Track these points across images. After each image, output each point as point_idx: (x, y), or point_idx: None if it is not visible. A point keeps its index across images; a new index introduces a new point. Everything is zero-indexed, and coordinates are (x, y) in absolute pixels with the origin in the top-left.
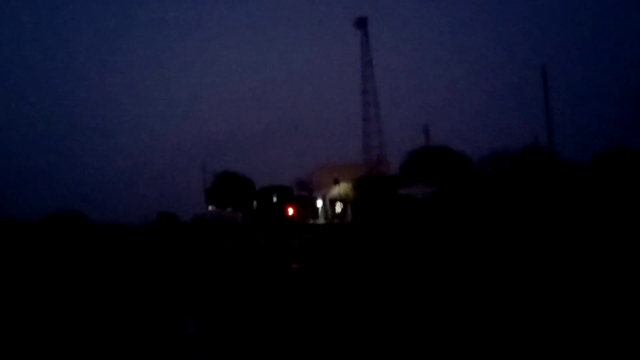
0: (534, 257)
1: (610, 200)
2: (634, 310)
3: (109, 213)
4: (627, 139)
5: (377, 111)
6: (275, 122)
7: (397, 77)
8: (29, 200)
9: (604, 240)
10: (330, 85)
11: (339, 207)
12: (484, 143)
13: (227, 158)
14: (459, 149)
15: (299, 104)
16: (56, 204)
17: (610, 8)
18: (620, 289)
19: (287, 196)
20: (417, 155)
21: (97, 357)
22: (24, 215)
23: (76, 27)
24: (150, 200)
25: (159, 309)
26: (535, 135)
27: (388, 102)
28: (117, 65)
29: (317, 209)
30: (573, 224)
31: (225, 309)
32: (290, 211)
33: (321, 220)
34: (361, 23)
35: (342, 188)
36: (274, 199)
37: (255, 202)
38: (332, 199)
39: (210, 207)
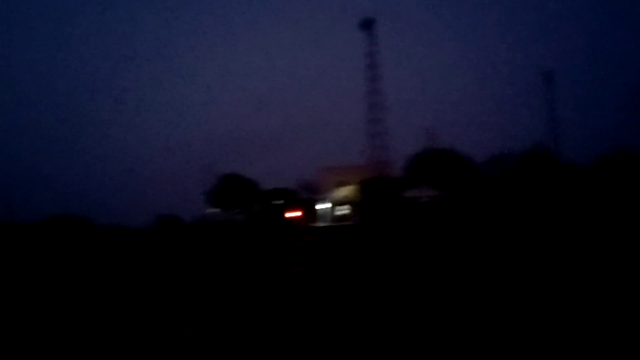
0: (537, 258)
1: (611, 202)
2: (633, 309)
3: (112, 215)
4: (629, 141)
5: (382, 113)
6: (281, 124)
7: (403, 79)
8: (31, 203)
9: (606, 241)
10: (336, 87)
11: (344, 210)
12: (488, 145)
13: (231, 160)
14: (464, 151)
15: (305, 106)
16: (58, 206)
17: (614, 13)
18: (620, 289)
19: (290, 199)
20: (422, 157)
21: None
22: (25, 218)
23: (80, 28)
24: (153, 203)
25: (160, 312)
26: (540, 137)
27: (394, 104)
28: (121, 67)
29: (322, 211)
30: (575, 225)
31: (227, 313)
32: (294, 214)
33: (326, 223)
34: (367, 25)
35: (347, 190)
36: (278, 202)
37: (259, 205)
38: (337, 201)
39: (213, 209)
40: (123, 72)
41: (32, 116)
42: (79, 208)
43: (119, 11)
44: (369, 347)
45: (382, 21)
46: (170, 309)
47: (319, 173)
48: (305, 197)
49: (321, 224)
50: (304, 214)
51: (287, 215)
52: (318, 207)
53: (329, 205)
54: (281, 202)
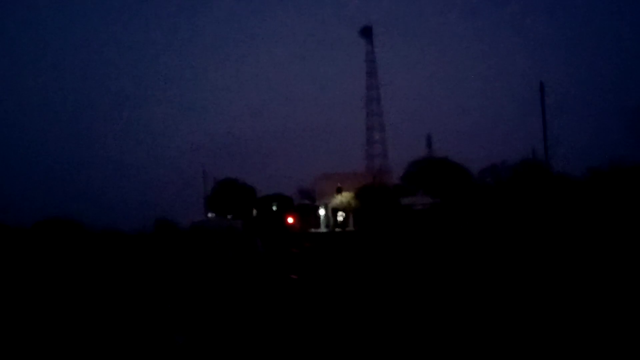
0: (531, 267)
1: (606, 215)
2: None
3: (106, 219)
4: (623, 153)
5: (380, 121)
6: (279, 130)
7: (401, 88)
8: (23, 206)
9: (600, 252)
10: (335, 94)
11: (341, 216)
12: (485, 154)
13: (229, 165)
14: (460, 159)
15: (303, 113)
16: (51, 210)
17: (607, 25)
18: (615, 300)
19: (286, 205)
20: (419, 165)
21: None
22: (17, 221)
23: (76, 33)
24: (149, 207)
25: (150, 320)
26: (533, 148)
27: (392, 112)
28: (117, 71)
29: (319, 217)
30: (569, 237)
31: (219, 321)
32: (290, 220)
33: (323, 229)
34: (366, 32)
35: (344, 197)
36: (274, 208)
37: (255, 211)
38: (334, 208)
39: (210, 215)
40: (121, 77)
41: (29, 119)
42: (76, 212)
43: (116, 17)
44: (364, 352)
45: (381, 30)
46: (160, 316)
47: (317, 180)
48: (302, 204)
49: (318, 231)
50: (299, 220)
51: (283, 222)
52: (315, 214)
53: (326, 212)
54: (276, 208)
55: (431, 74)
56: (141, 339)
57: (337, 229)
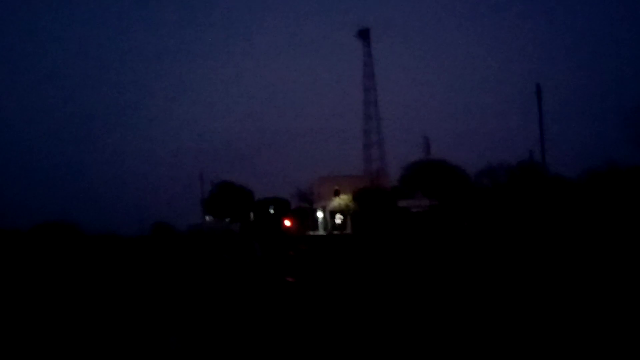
0: (528, 268)
1: (602, 216)
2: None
3: (104, 223)
4: (619, 155)
5: (378, 123)
6: (276, 133)
7: (399, 90)
8: (21, 210)
9: (596, 253)
10: (332, 97)
11: (338, 219)
12: (482, 156)
13: (226, 168)
14: (458, 162)
15: (300, 115)
16: (49, 213)
17: (604, 28)
18: (611, 301)
19: (283, 208)
20: (416, 168)
21: None
22: (14, 225)
23: (73, 36)
24: (146, 211)
25: (145, 322)
26: (530, 150)
27: (389, 114)
28: (113, 73)
29: (317, 220)
30: (565, 238)
31: (214, 323)
32: (287, 223)
33: (321, 232)
34: (363, 34)
35: (342, 200)
36: (271, 211)
37: (252, 214)
38: (332, 211)
39: (207, 218)
40: (119, 81)
41: (26, 123)
42: (73, 216)
43: (114, 20)
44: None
45: (379, 33)
46: (156, 318)
47: (315, 183)
48: (300, 207)
49: (316, 233)
50: (296, 223)
51: (280, 224)
52: (313, 216)
53: (323, 214)
54: (273, 211)
55: (428, 76)
56: (136, 340)
57: (335, 232)
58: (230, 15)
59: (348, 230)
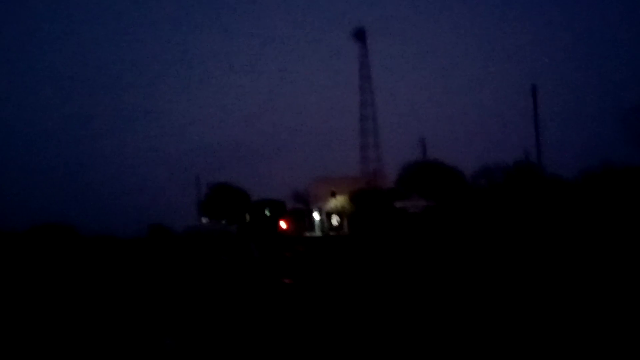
0: (525, 269)
1: (599, 216)
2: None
3: (100, 224)
4: (615, 155)
5: (374, 124)
6: (273, 134)
7: (395, 91)
8: (17, 211)
9: (593, 253)
10: (328, 98)
11: (335, 220)
12: (479, 157)
13: (223, 170)
14: (455, 162)
15: (297, 116)
16: (45, 215)
17: (600, 28)
18: (607, 301)
19: (279, 210)
20: (413, 168)
21: None
22: (11, 226)
23: (70, 37)
24: (143, 212)
25: (141, 323)
26: (526, 150)
27: (386, 115)
28: (110, 75)
29: (314, 221)
30: (563, 239)
31: (210, 324)
32: (283, 225)
33: (318, 233)
34: (360, 35)
35: (338, 201)
36: (267, 213)
37: (248, 216)
38: (328, 212)
39: (203, 219)
40: (115, 84)
41: (22, 125)
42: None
43: (110, 22)
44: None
45: (375, 34)
46: (151, 319)
47: (311, 184)
48: (296, 208)
49: (313, 235)
50: (293, 224)
51: (276, 226)
52: (309, 218)
53: (320, 216)
54: (269, 213)
55: (425, 77)
56: (131, 341)
57: (331, 233)
58: (227, 17)
59: (345, 232)
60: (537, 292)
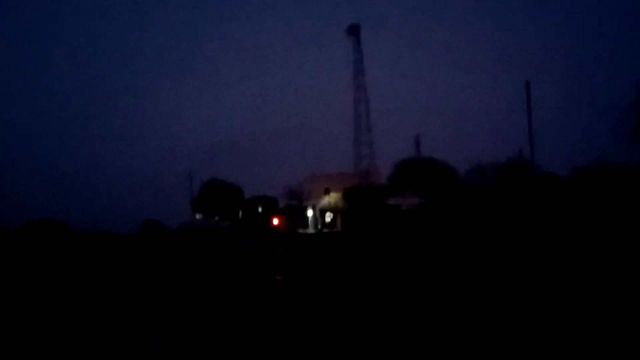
0: (518, 267)
1: (592, 214)
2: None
3: (93, 221)
4: (609, 152)
5: (368, 121)
6: (266, 131)
7: (389, 88)
8: (10, 207)
9: (587, 251)
10: (322, 95)
11: (328, 217)
12: (472, 154)
13: (216, 166)
14: (447, 160)
15: (290, 113)
16: (39, 211)
17: (594, 25)
18: (601, 300)
19: (272, 207)
20: (406, 166)
21: None
22: (3, 223)
23: (68, 32)
24: (136, 208)
25: (129, 321)
26: (520, 148)
27: (379, 112)
28: (105, 75)
29: (307, 218)
30: (556, 237)
31: (200, 322)
32: (275, 221)
33: (311, 230)
34: (353, 31)
35: (332, 198)
36: (259, 209)
37: (240, 212)
38: (322, 209)
39: (197, 216)
40: (109, 81)
41: (16, 122)
42: (58, 213)
43: (108, 17)
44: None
45: (369, 30)
46: (140, 317)
47: (305, 181)
48: (290, 205)
49: (306, 231)
50: (286, 221)
51: (268, 223)
52: (303, 214)
53: (313, 213)
54: (262, 210)
55: (419, 75)
56: (118, 339)
57: (324, 230)
58: (222, 14)
59: (338, 229)
60: (530, 290)
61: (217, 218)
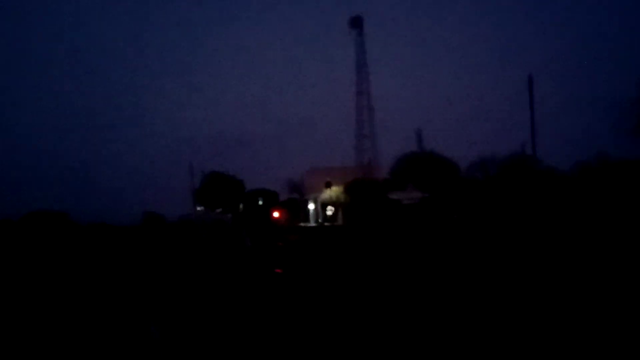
0: (519, 262)
1: (593, 208)
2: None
3: (96, 212)
4: (611, 147)
5: (370, 115)
6: (268, 124)
7: (391, 81)
8: (11, 198)
9: (587, 246)
10: (325, 87)
11: (330, 211)
12: (475, 148)
13: (218, 159)
14: (450, 154)
15: (293, 106)
16: (40, 202)
17: (597, 20)
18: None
19: (272, 200)
20: (407, 160)
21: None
22: (5, 213)
23: (67, 26)
24: (137, 200)
25: (129, 311)
26: (522, 143)
27: (382, 105)
28: (106, 65)
29: (308, 212)
30: (557, 231)
31: (199, 313)
32: (276, 214)
33: (312, 224)
34: (356, 23)
35: (333, 191)
36: (260, 203)
37: (241, 205)
38: (323, 202)
39: (198, 208)
40: (110, 71)
41: (16, 112)
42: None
43: (106, 12)
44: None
45: (372, 23)
46: (139, 307)
47: (306, 174)
48: (291, 198)
49: (307, 225)
50: (287, 214)
51: (268, 216)
52: (304, 208)
53: (315, 206)
54: (262, 203)
55: (422, 68)
56: (117, 328)
57: (325, 223)
58: (222, 6)
59: (339, 222)
60: (530, 284)
61: (218, 210)
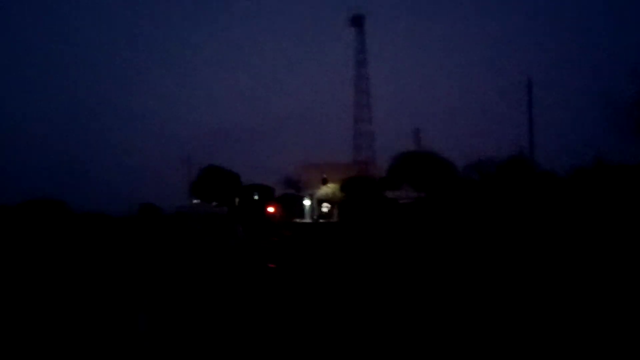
0: (514, 264)
1: (584, 213)
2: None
3: (93, 202)
4: (609, 150)
5: (369, 112)
6: (266, 119)
7: (391, 80)
8: (8, 185)
9: (583, 250)
10: (323, 83)
11: (325, 207)
12: (472, 149)
13: (215, 152)
14: (447, 154)
15: (291, 101)
16: (37, 190)
17: (596, 22)
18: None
19: (267, 195)
20: (405, 159)
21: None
22: (1, 200)
23: (75, 18)
24: (134, 191)
25: (117, 302)
26: (520, 145)
27: (381, 103)
28: (104, 57)
29: (304, 207)
30: (553, 234)
31: (190, 306)
32: (271, 210)
33: (308, 220)
34: (357, 21)
35: (329, 188)
36: (255, 197)
37: (237, 199)
38: (319, 199)
39: (194, 201)
40: (108, 63)
41: (14, 101)
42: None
43: (104, 7)
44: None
45: (372, 22)
46: (129, 297)
47: (302, 169)
48: (287, 194)
49: (302, 221)
50: (282, 210)
51: (263, 211)
52: (300, 203)
53: (310, 202)
54: (257, 198)
55: (421, 67)
56: (102, 320)
57: (321, 220)
58: (217, 1)
59: (334, 219)
60: (525, 284)
61: (214, 204)
